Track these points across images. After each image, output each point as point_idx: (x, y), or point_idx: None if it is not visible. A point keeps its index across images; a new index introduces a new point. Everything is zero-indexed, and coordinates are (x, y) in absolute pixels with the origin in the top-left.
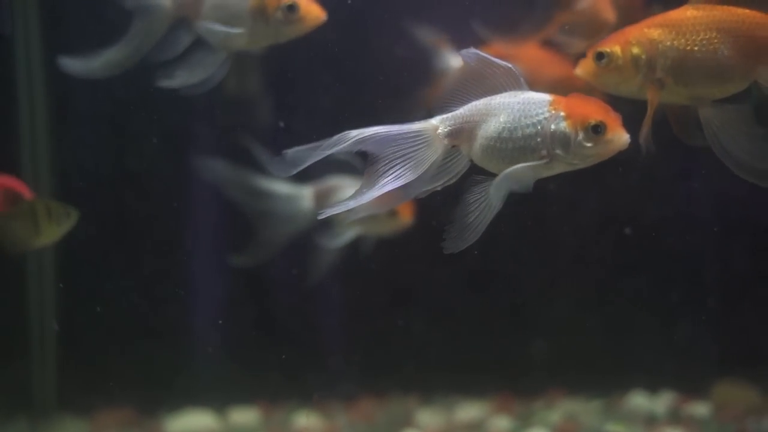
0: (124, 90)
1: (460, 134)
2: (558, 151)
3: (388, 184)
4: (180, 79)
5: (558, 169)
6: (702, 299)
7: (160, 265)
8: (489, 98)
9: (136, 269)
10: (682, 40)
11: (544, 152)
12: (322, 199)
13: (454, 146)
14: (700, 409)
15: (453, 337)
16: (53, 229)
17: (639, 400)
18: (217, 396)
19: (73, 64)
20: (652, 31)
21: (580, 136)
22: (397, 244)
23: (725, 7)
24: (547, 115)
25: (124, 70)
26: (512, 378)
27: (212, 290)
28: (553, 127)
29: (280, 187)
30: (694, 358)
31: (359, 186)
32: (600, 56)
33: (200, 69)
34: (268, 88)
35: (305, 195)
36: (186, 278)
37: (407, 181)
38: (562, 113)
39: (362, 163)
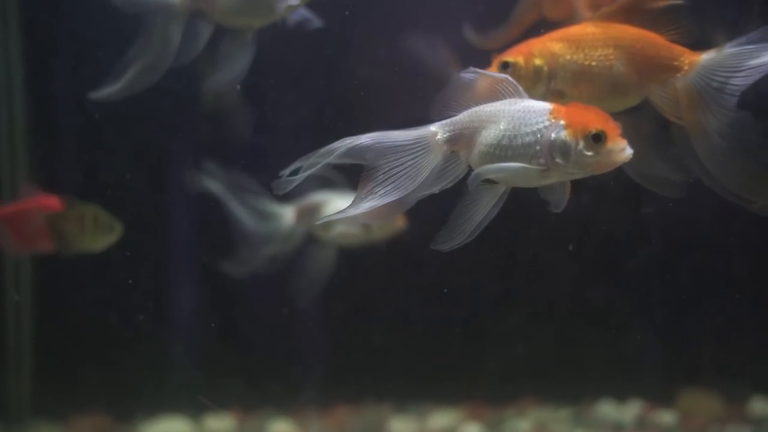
0: (99, 106)
1: (460, 140)
2: (558, 160)
3: (389, 194)
4: (223, 74)
5: (555, 177)
6: (652, 311)
7: (133, 274)
8: (489, 105)
9: (112, 278)
10: (581, 55)
11: (543, 160)
12: (304, 216)
13: (452, 152)
14: (666, 417)
15: (417, 346)
16: (97, 238)
17: (607, 409)
18: (192, 403)
19: (103, 93)
20: (554, 45)
21: (580, 144)
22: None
23: (622, 26)
24: (547, 123)
25: (154, 78)
26: (483, 386)
27: (186, 299)
28: (553, 135)
29: (262, 205)
30: (660, 367)
31: (357, 193)
32: (504, 65)
33: (236, 59)
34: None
35: (287, 213)
36: (159, 287)
37: (408, 191)
38: (563, 122)
39: (344, 179)
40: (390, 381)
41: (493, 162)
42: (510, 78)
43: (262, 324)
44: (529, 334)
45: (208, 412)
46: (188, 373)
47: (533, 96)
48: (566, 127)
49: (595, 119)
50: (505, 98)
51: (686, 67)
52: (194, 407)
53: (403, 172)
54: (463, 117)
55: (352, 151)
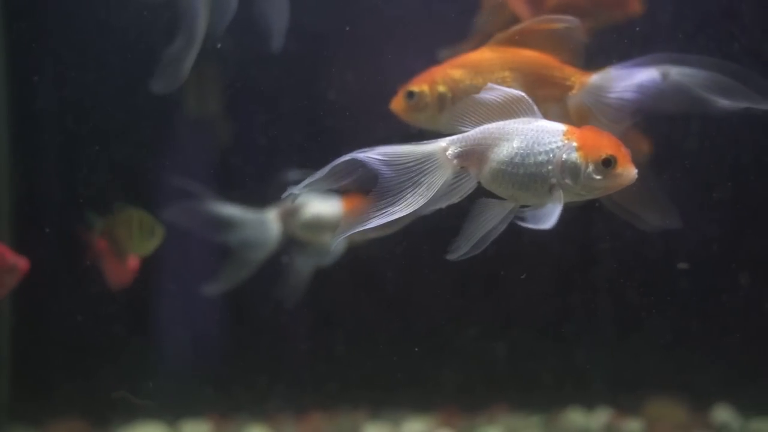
0: (80, 119)
1: (470, 156)
2: (567, 181)
3: (400, 210)
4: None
5: (565, 197)
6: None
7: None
8: (502, 123)
9: (89, 288)
10: (480, 79)
11: (553, 180)
12: (288, 219)
13: (462, 167)
14: (632, 425)
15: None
16: (142, 242)
17: (576, 417)
18: (169, 409)
19: (156, 84)
20: (454, 71)
21: (590, 168)
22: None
23: (518, 50)
24: (560, 144)
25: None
26: (447, 395)
27: (162, 309)
28: (564, 156)
29: (245, 212)
30: (628, 376)
31: (368, 207)
32: (410, 95)
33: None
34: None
35: (270, 218)
36: (135, 297)
37: (418, 206)
38: (575, 144)
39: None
40: (356, 390)
41: (504, 178)
42: (526, 96)
43: (235, 332)
44: (486, 346)
45: (183, 418)
46: (164, 380)
47: (440, 122)
48: (578, 149)
49: (608, 144)
50: (519, 116)
51: (577, 87)
52: (171, 413)
53: (414, 187)
54: (474, 133)
55: (362, 164)
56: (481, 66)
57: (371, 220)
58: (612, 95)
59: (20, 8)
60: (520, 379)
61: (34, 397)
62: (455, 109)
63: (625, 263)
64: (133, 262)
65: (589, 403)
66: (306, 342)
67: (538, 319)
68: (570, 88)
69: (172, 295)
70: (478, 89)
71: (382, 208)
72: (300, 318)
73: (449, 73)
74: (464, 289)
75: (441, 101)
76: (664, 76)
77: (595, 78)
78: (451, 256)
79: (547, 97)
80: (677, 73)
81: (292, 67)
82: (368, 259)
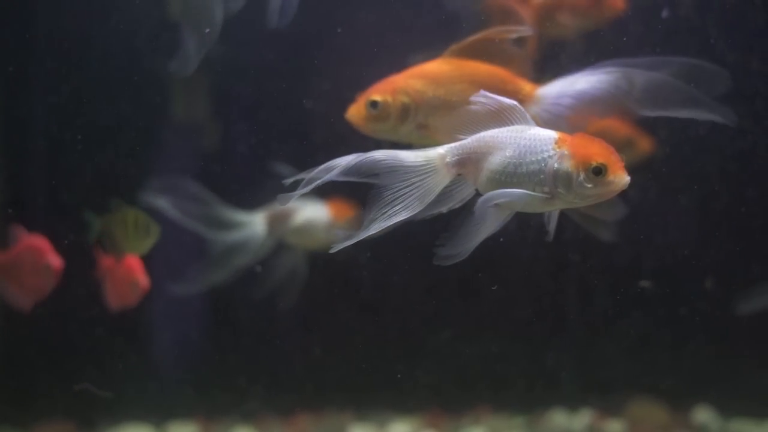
0: (62, 125)
1: (467, 164)
2: (559, 189)
3: (397, 215)
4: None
5: (558, 205)
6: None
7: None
8: (497, 131)
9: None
10: (442, 91)
11: (546, 189)
12: (275, 223)
13: (459, 174)
14: (614, 426)
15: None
16: (137, 240)
17: (559, 418)
18: (156, 411)
19: (175, 65)
20: (416, 82)
21: (581, 176)
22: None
23: (473, 63)
24: (551, 153)
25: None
26: (429, 396)
27: (147, 309)
28: (556, 165)
29: (232, 213)
30: (604, 378)
31: (366, 213)
32: (374, 104)
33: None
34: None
35: (258, 221)
36: None
37: (415, 212)
38: (567, 152)
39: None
40: (334, 392)
41: (499, 187)
42: (519, 105)
43: (215, 334)
44: (460, 349)
45: (170, 420)
46: (147, 382)
47: (401, 131)
48: (570, 158)
49: (599, 152)
50: (513, 124)
51: (528, 98)
52: (157, 415)
53: (411, 192)
54: (470, 141)
55: (360, 167)
56: (440, 77)
57: (372, 225)
58: (557, 106)
59: (5, 17)
60: (496, 380)
61: (20, 400)
62: (453, 117)
63: (595, 268)
64: (141, 284)
65: (569, 404)
66: (285, 344)
67: (511, 323)
68: (522, 100)
69: (154, 298)
70: (440, 101)
71: (382, 213)
72: (279, 321)
73: (411, 83)
74: (437, 294)
75: (404, 111)
76: (629, 84)
77: (542, 90)
78: (441, 259)
79: None
80: (641, 81)
81: (280, 71)
82: (345, 264)
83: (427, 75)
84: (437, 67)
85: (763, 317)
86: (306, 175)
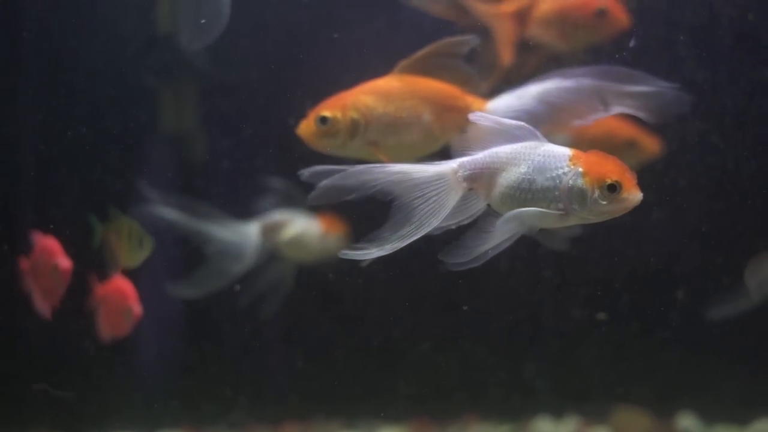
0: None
1: (479, 179)
2: (574, 206)
3: (413, 233)
4: None
5: (572, 221)
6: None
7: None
8: (510, 146)
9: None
10: (393, 107)
11: (560, 205)
12: (270, 233)
13: (471, 189)
14: None
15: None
16: (131, 252)
17: (544, 425)
18: (143, 421)
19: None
20: (366, 98)
21: (596, 193)
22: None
23: (424, 79)
24: (566, 170)
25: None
26: (421, 405)
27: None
28: (570, 182)
29: (227, 222)
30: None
31: (384, 232)
32: (323, 120)
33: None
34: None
35: (252, 230)
36: None
37: (431, 228)
38: (581, 169)
39: (306, 195)
40: (318, 402)
41: (512, 203)
42: (526, 125)
43: (202, 345)
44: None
45: (157, 430)
46: (136, 393)
47: (351, 147)
48: (584, 175)
49: (613, 170)
50: (524, 141)
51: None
52: (145, 425)
53: (425, 207)
54: (483, 157)
55: (373, 178)
56: (391, 94)
57: (389, 245)
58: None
59: None
60: (477, 390)
61: (7, 411)
62: (466, 135)
63: (572, 279)
64: (134, 311)
65: (551, 412)
66: (269, 355)
67: (490, 333)
68: None
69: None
70: (390, 117)
71: (399, 233)
72: (263, 332)
73: (361, 99)
74: (417, 306)
75: (354, 127)
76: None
77: (491, 105)
78: (451, 266)
79: (452, 125)
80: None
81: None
82: (327, 277)
83: (377, 91)
84: (388, 83)
85: (737, 324)
86: (323, 185)
